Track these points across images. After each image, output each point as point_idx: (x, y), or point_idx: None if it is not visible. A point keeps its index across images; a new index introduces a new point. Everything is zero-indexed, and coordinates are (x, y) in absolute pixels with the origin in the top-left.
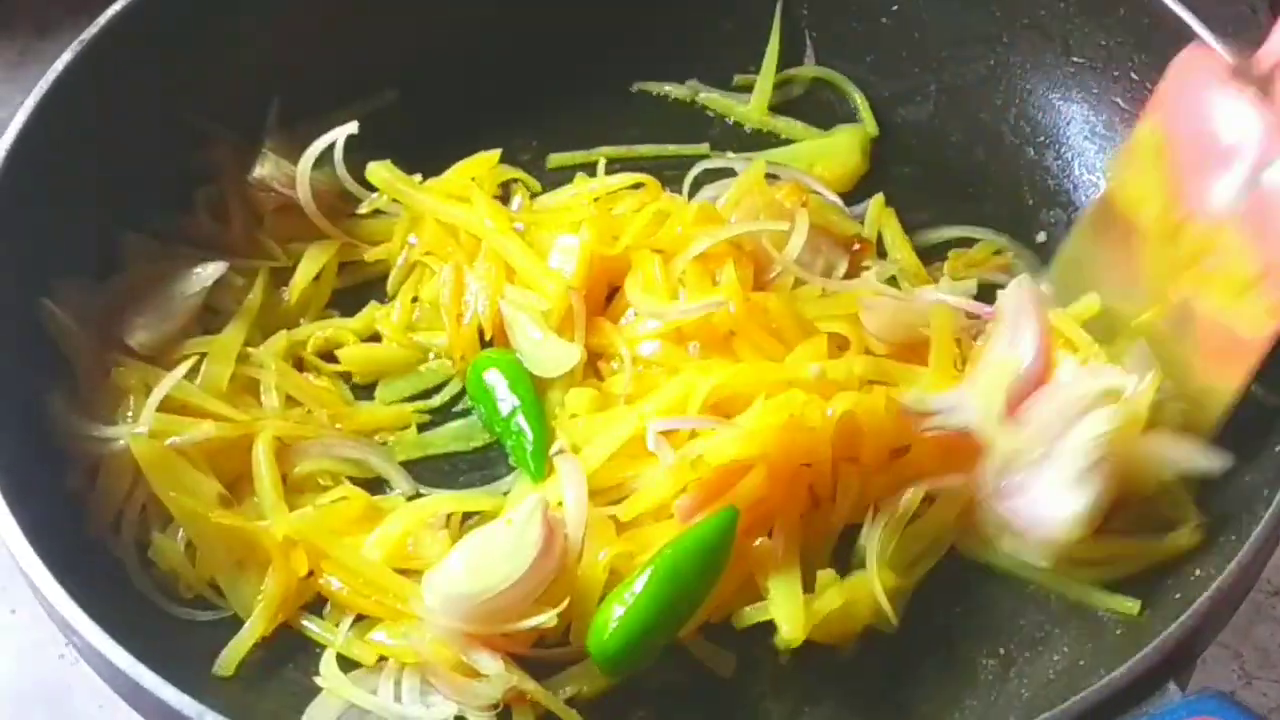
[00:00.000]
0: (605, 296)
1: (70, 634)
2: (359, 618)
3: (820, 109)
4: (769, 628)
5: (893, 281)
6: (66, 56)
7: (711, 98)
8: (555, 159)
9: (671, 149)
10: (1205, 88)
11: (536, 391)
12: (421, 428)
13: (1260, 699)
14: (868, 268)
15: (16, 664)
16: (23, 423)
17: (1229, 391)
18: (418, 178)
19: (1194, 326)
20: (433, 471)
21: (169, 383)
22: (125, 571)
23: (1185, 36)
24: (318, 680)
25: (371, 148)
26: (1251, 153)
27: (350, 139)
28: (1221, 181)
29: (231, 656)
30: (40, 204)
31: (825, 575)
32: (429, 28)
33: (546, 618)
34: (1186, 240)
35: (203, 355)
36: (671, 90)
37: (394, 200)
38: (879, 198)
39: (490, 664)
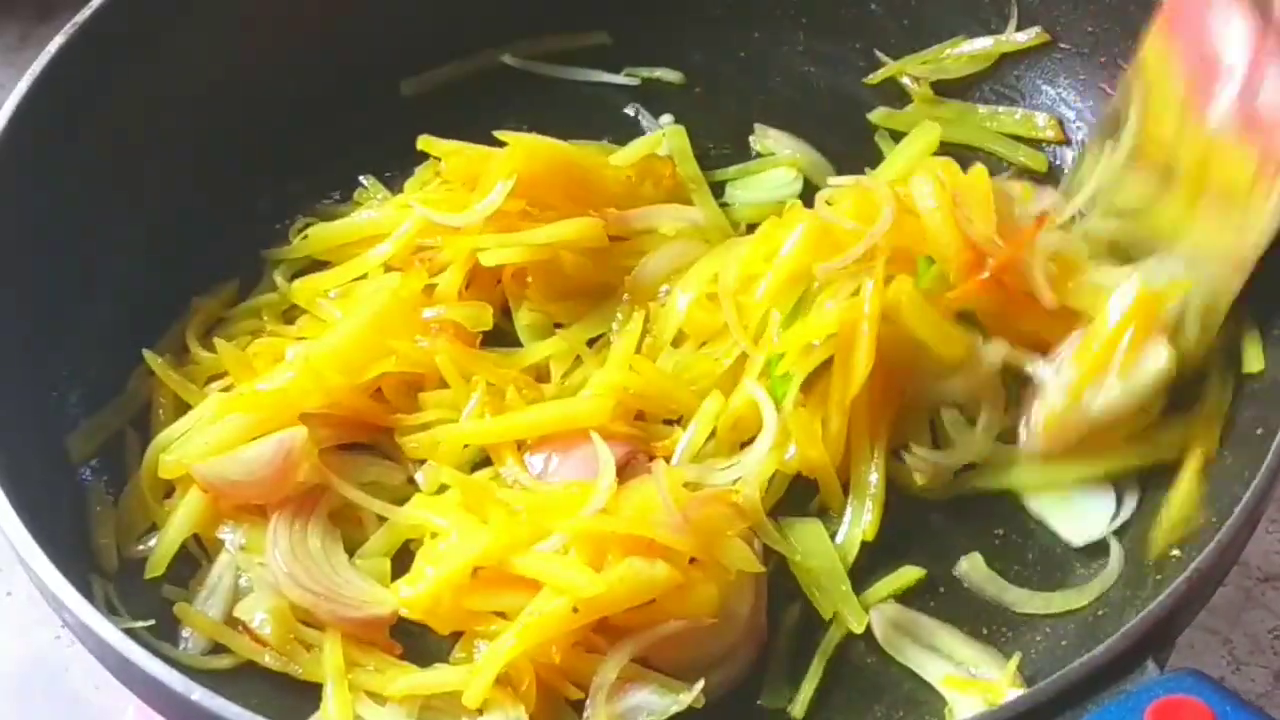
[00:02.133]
0: None
1: (62, 611)
2: None
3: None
4: None
5: None
6: (59, 40)
7: None
8: None
9: None
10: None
11: None
12: None
13: (1249, 685)
14: None
15: (13, 644)
16: (19, 406)
17: (1231, 291)
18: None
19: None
20: None
21: None
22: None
23: None
24: None
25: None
26: (1241, 69)
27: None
28: (1219, 97)
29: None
30: (35, 189)
31: None
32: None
33: None
34: (1188, 153)
35: None
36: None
37: None
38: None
39: None
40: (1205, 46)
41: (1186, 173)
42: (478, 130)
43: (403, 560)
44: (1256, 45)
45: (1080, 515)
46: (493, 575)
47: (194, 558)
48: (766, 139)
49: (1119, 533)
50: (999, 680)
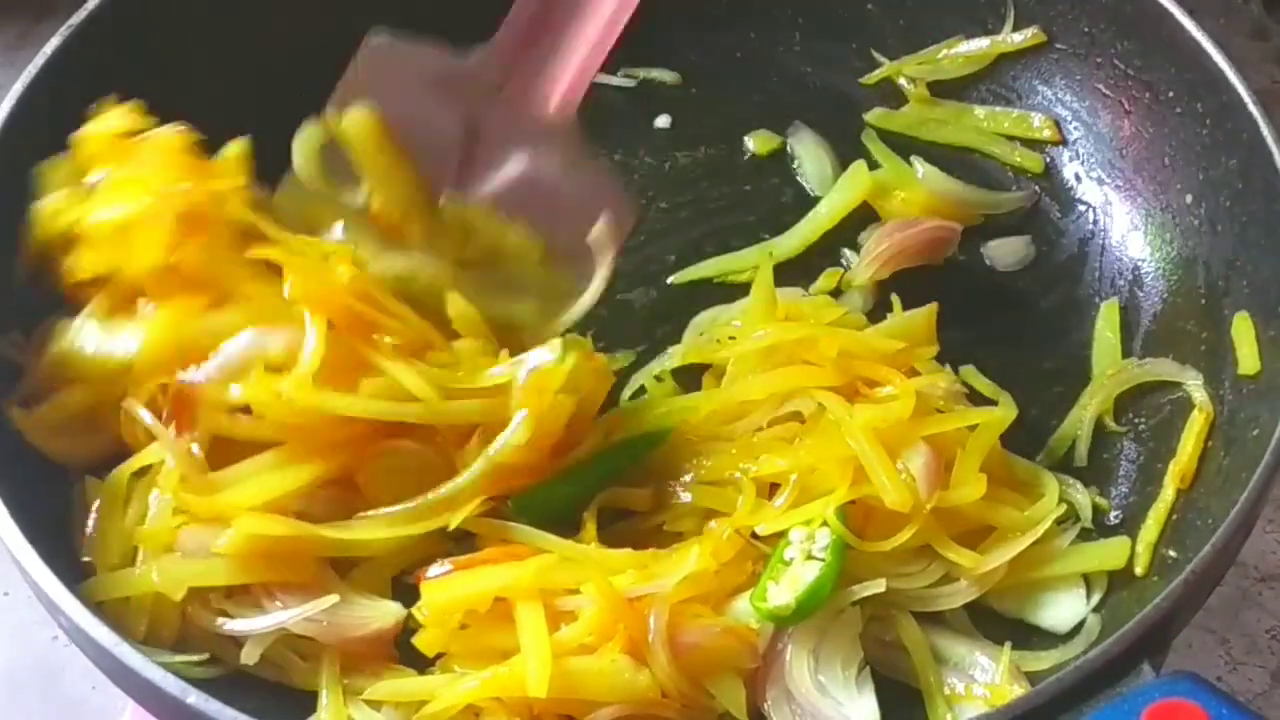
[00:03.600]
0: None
1: (57, 614)
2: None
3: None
4: None
5: None
6: (55, 41)
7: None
8: None
9: None
10: (417, 84)
11: None
12: None
13: (1247, 684)
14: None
15: (10, 645)
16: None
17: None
18: None
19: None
20: None
21: None
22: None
23: (1168, 23)
24: None
25: None
26: (491, 149)
27: None
28: (472, 169)
29: None
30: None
31: None
32: None
33: None
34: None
35: None
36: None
37: None
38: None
39: None
40: (430, 125)
41: (449, 248)
42: None
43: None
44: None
45: (1054, 604)
46: (501, 611)
47: None
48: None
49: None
50: (997, 679)
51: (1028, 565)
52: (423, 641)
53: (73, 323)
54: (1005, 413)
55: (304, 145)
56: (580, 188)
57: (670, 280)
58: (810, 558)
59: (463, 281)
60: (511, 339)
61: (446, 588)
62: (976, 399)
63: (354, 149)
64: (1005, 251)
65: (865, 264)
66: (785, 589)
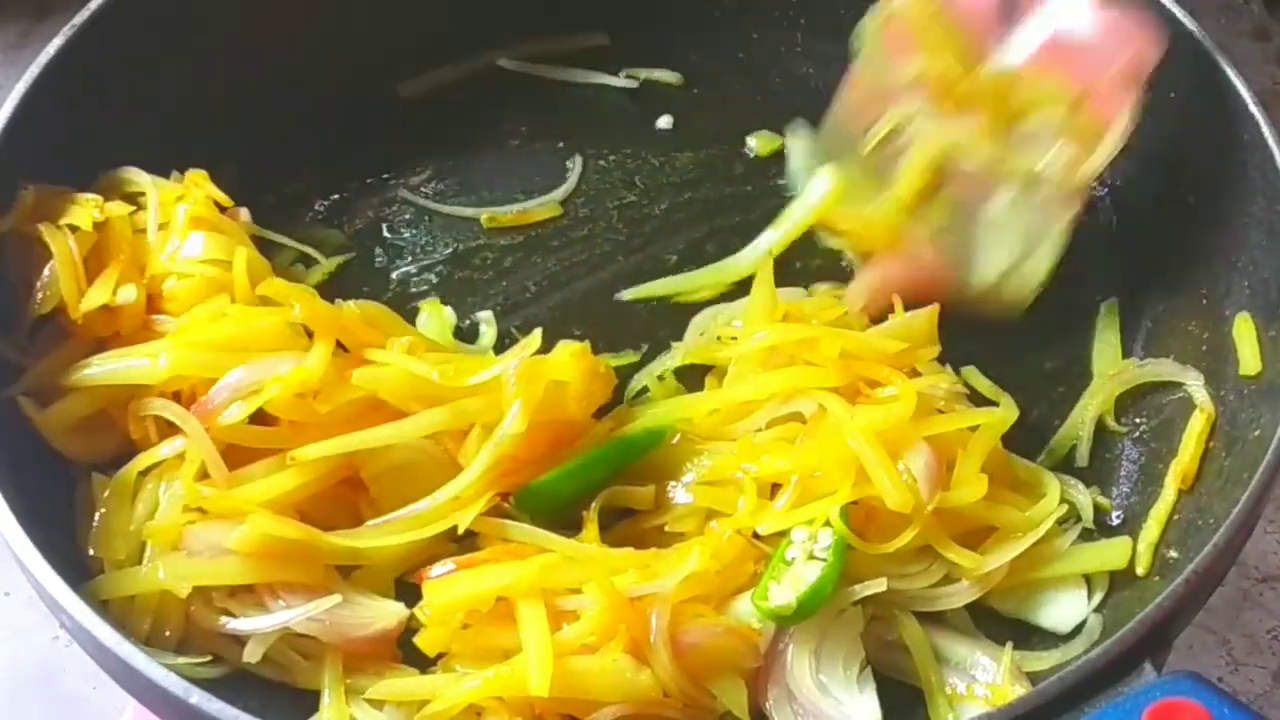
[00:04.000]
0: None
1: (59, 613)
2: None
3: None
4: None
5: None
6: (57, 41)
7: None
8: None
9: None
10: None
11: None
12: None
13: (1248, 685)
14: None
15: (10, 646)
16: (17, 408)
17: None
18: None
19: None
20: None
21: None
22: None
23: (1172, 24)
24: None
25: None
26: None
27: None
28: (1015, 35)
29: None
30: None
31: None
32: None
33: None
34: (986, 92)
35: None
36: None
37: None
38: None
39: None
40: None
41: (989, 110)
42: (476, 131)
43: None
44: None
45: (1055, 604)
46: (502, 611)
47: None
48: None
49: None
50: (998, 679)
51: (1029, 565)
52: (425, 641)
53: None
54: (1006, 414)
55: (870, 25)
56: (1105, 33)
57: (624, 296)
58: (812, 558)
59: (999, 137)
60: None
61: (448, 587)
62: (977, 400)
63: (912, 23)
64: None
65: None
66: (787, 588)
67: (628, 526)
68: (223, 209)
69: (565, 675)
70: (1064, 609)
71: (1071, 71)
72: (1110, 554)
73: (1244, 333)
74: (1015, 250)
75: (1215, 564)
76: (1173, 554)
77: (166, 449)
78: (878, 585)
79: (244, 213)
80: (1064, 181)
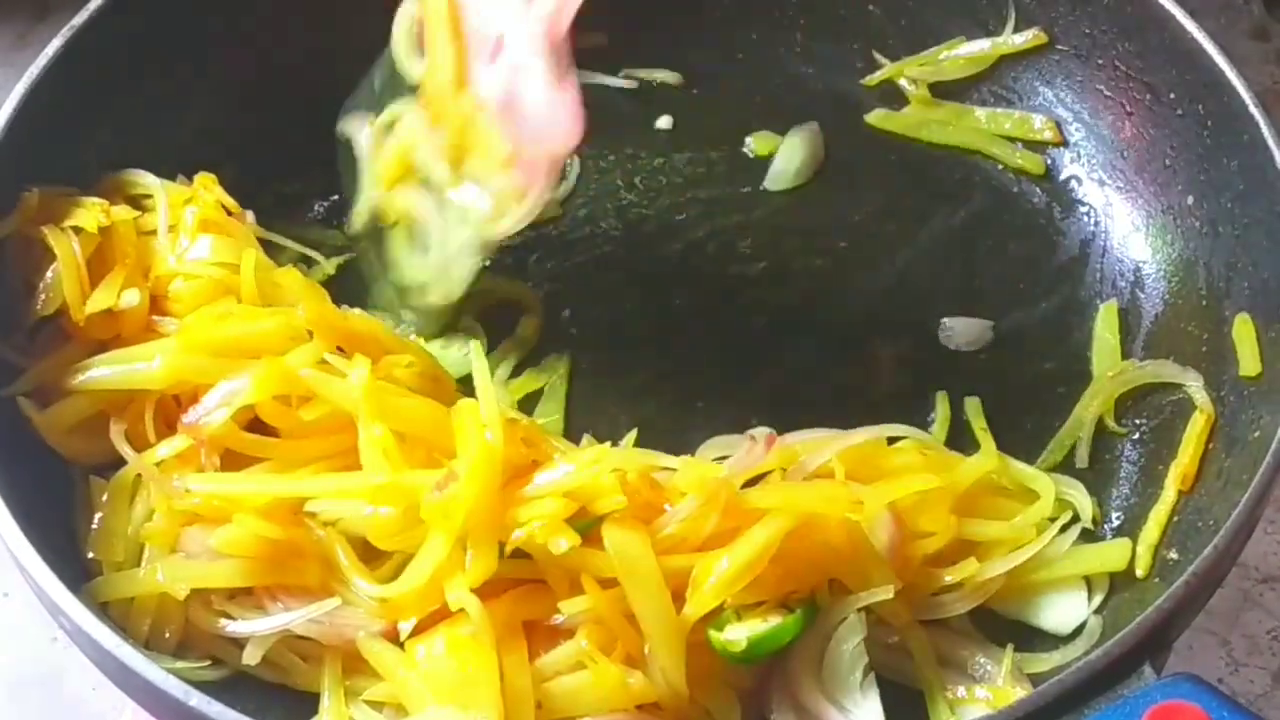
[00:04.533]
0: None
1: (59, 616)
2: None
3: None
4: None
5: None
6: (56, 43)
7: None
8: None
9: None
10: None
11: None
12: None
13: (1248, 686)
14: None
15: (11, 645)
16: (15, 410)
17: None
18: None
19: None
20: None
21: None
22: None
23: (1169, 25)
24: None
25: None
26: (509, 47)
27: None
28: (489, 68)
29: None
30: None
31: None
32: None
33: None
34: (457, 116)
35: None
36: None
37: None
38: None
39: None
40: (480, 13)
41: (453, 134)
42: None
43: None
44: (518, 26)
45: (1055, 606)
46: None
47: None
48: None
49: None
50: (999, 682)
51: (1028, 568)
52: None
53: None
54: (980, 464)
55: (400, 19)
56: (544, 109)
57: None
58: (782, 607)
59: (453, 163)
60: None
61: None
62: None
63: (427, 23)
64: (962, 330)
65: None
66: (744, 627)
67: None
68: (228, 212)
69: (560, 695)
70: (1064, 611)
71: (508, 131)
72: (1109, 556)
73: (1244, 334)
74: (435, 264)
75: (1215, 565)
76: (1173, 555)
77: (164, 450)
78: (884, 593)
79: (249, 215)
80: (480, 230)
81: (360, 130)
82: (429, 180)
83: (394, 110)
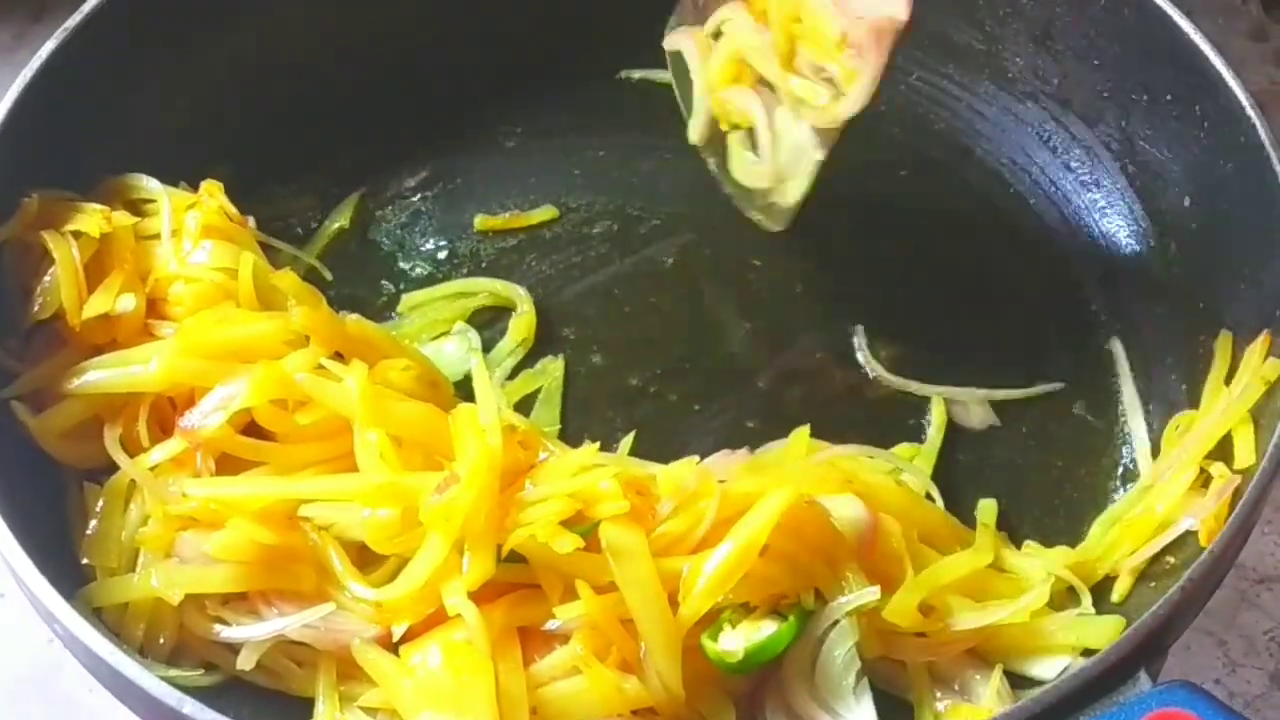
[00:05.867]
0: None
1: (52, 622)
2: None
3: None
4: None
5: None
6: (51, 44)
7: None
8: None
9: None
10: None
11: None
12: None
13: (1245, 687)
14: None
15: (6, 647)
16: (11, 415)
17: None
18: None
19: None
20: None
21: None
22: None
23: (1167, 25)
24: None
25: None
26: None
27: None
28: None
29: None
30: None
31: None
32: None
33: None
34: (781, 8)
35: None
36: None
37: None
38: None
39: None
40: None
41: (779, 27)
42: (478, 132)
43: None
44: None
45: (1042, 664)
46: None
47: None
48: None
49: None
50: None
51: (1016, 636)
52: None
53: None
54: (973, 559)
55: None
56: None
57: None
58: (775, 614)
59: (784, 55)
60: None
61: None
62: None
63: None
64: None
65: None
66: (739, 635)
67: None
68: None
69: (555, 701)
70: (1051, 666)
71: (836, 13)
72: (1099, 632)
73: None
74: (777, 165)
75: (1210, 570)
76: (1169, 559)
77: (158, 454)
78: (870, 594)
79: (250, 221)
80: (820, 117)
81: (686, 41)
82: (762, 78)
83: (721, 14)
